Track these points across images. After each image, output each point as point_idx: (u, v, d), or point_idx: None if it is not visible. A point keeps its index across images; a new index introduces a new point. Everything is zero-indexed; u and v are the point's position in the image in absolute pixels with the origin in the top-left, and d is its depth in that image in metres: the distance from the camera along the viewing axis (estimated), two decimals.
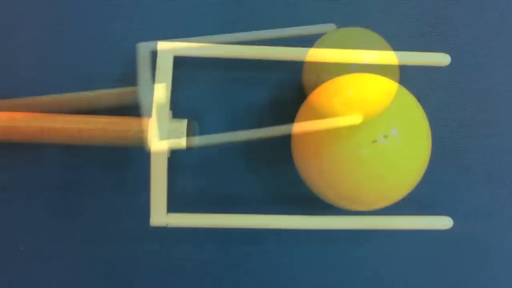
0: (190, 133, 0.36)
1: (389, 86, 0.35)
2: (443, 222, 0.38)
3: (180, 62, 0.40)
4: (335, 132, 0.32)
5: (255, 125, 0.41)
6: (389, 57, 0.36)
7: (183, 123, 0.36)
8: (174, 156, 0.40)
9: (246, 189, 0.40)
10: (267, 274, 0.40)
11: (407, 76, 0.41)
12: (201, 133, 0.40)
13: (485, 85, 0.42)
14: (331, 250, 0.40)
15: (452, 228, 0.37)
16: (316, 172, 0.34)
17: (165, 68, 0.36)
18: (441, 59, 0.39)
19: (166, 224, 0.36)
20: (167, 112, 0.35)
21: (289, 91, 0.40)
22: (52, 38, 0.41)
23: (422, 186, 0.40)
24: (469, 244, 0.41)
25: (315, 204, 0.38)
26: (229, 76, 0.41)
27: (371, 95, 0.34)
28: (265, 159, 0.41)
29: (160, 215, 0.35)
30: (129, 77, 0.40)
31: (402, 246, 0.41)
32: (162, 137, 0.35)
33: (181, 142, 0.36)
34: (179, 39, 0.38)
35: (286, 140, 0.37)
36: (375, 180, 0.32)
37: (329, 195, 0.35)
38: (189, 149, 0.36)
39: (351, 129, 0.32)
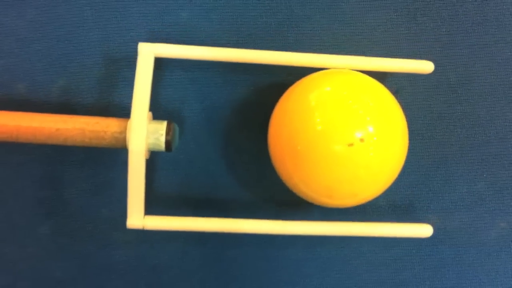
0: (169, 135, 0.35)
1: (367, 82, 0.35)
2: (423, 230, 0.38)
3: (161, 63, 0.40)
4: (311, 130, 0.32)
5: (236, 126, 0.41)
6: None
7: (163, 124, 0.36)
8: (153, 157, 0.40)
9: (225, 192, 0.40)
10: (248, 278, 0.40)
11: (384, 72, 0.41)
12: (181, 134, 0.40)
13: (463, 78, 0.42)
14: (314, 254, 0.41)
15: (433, 215, 0.38)
16: (291, 168, 0.34)
17: (145, 69, 0.36)
18: (425, 66, 0.39)
19: (143, 227, 0.35)
20: (146, 113, 0.35)
21: (271, 92, 0.40)
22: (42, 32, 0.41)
23: (399, 180, 0.41)
24: (447, 237, 0.41)
25: (295, 208, 0.38)
26: (211, 77, 0.41)
27: (349, 91, 0.34)
28: (245, 161, 0.41)
29: (137, 217, 0.35)
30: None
31: (380, 241, 0.41)
32: (140, 138, 0.35)
33: (160, 144, 0.35)
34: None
35: (266, 143, 0.37)
36: (350, 180, 0.33)
37: (304, 191, 0.35)
38: (168, 150, 0.36)
39: (328, 130, 0.32)
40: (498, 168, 0.42)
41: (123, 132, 0.35)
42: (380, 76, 0.41)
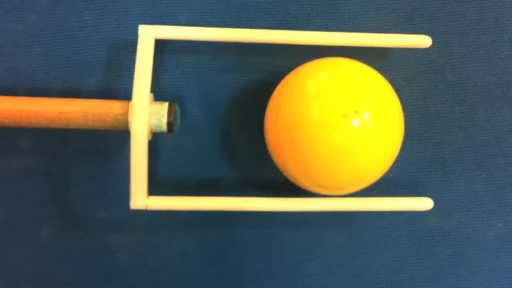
0: (171, 116, 0.36)
1: (362, 70, 0.35)
2: (423, 204, 0.38)
3: (162, 45, 0.40)
4: (306, 111, 0.33)
5: (237, 109, 0.41)
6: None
7: (164, 105, 0.36)
8: (155, 139, 0.40)
9: (224, 176, 0.41)
10: (248, 279, 0.40)
11: (383, 68, 0.41)
12: (183, 116, 0.40)
13: (461, 77, 0.42)
14: (313, 254, 0.41)
15: (431, 216, 0.37)
16: (288, 155, 0.35)
17: (146, 50, 0.36)
18: (422, 41, 0.39)
19: (146, 207, 0.36)
20: (147, 94, 0.35)
21: (272, 76, 0.40)
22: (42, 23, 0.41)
23: (397, 179, 0.41)
24: (444, 237, 0.41)
25: (292, 189, 0.38)
26: (212, 59, 0.41)
27: (344, 80, 0.34)
28: (245, 144, 0.41)
29: (140, 198, 0.35)
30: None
31: (379, 237, 0.41)
32: (142, 119, 0.35)
33: (162, 125, 0.36)
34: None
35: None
36: (346, 160, 0.33)
37: (300, 178, 0.35)
38: (170, 132, 0.36)
39: (322, 105, 0.32)
40: (496, 168, 0.42)
41: (125, 114, 0.36)
42: (379, 54, 0.41)
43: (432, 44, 0.40)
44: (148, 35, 0.37)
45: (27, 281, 0.40)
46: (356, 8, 0.42)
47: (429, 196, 0.41)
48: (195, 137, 0.41)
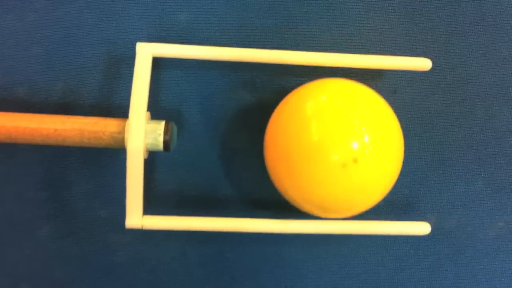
0: (167, 134, 0.36)
1: (361, 92, 0.35)
2: (421, 228, 0.38)
3: (159, 64, 0.40)
4: (304, 133, 0.33)
5: (235, 127, 0.41)
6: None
7: (161, 124, 0.36)
8: (151, 159, 0.40)
9: (223, 192, 0.41)
10: (247, 279, 0.40)
11: (382, 70, 0.41)
12: (180, 134, 0.40)
13: (461, 78, 0.42)
14: (312, 254, 0.41)
15: (431, 215, 0.38)
16: (285, 177, 0.34)
17: (143, 68, 0.36)
18: (422, 63, 0.39)
19: (142, 227, 0.36)
20: (144, 113, 0.35)
21: (271, 93, 0.40)
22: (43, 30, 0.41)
23: (398, 179, 0.41)
24: (444, 236, 0.41)
25: (292, 210, 0.38)
26: (209, 77, 0.41)
27: (345, 101, 0.34)
28: (244, 161, 0.41)
29: (135, 217, 0.36)
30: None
31: (378, 236, 0.41)
32: (139, 138, 0.35)
33: (158, 144, 0.36)
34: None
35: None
36: (344, 199, 0.33)
37: (300, 202, 0.35)
38: (166, 150, 0.36)
39: (322, 148, 0.32)
40: (496, 167, 0.42)
41: (122, 132, 0.36)
42: (378, 75, 0.41)
43: (432, 44, 0.40)
44: (145, 53, 0.37)
45: (26, 280, 0.40)
46: (357, 7, 0.42)
47: (429, 196, 0.41)
48: (193, 152, 0.41)
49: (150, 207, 0.39)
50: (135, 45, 0.37)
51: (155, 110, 0.40)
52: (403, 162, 0.40)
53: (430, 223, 0.38)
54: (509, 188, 0.42)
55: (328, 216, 0.37)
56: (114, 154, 0.40)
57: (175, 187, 0.40)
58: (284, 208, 0.40)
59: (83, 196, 0.40)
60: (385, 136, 0.33)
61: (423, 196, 0.41)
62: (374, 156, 0.32)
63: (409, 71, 0.42)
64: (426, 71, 0.41)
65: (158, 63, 0.40)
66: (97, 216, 0.40)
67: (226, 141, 0.41)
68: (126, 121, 0.36)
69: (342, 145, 0.32)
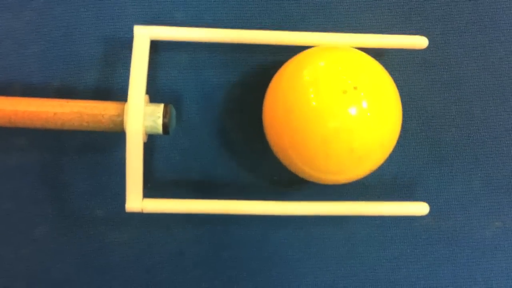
0: (166, 117, 0.36)
1: (359, 54, 0.36)
2: (419, 208, 0.38)
3: (158, 44, 0.40)
4: (304, 89, 0.33)
5: (234, 109, 0.41)
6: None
7: (160, 107, 0.36)
8: (151, 140, 0.40)
9: (223, 175, 0.41)
10: (244, 278, 0.40)
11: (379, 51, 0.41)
12: (179, 117, 0.40)
13: (458, 77, 0.42)
14: (309, 253, 0.41)
15: (428, 215, 0.38)
16: (286, 137, 0.35)
17: (141, 51, 0.36)
18: (419, 41, 0.39)
19: (142, 210, 0.36)
20: (143, 96, 0.35)
21: (270, 74, 0.40)
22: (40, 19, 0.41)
23: (394, 179, 0.41)
24: (441, 236, 0.41)
25: (291, 188, 0.38)
26: (207, 59, 0.41)
27: (342, 60, 0.34)
28: (243, 144, 0.41)
29: (135, 200, 0.35)
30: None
31: (375, 236, 0.41)
32: (138, 121, 0.35)
33: (158, 126, 0.36)
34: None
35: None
36: (344, 136, 0.33)
37: (299, 162, 0.35)
38: (165, 133, 0.36)
39: (320, 81, 0.33)
40: (493, 167, 0.42)
41: (121, 115, 0.36)
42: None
43: (429, 44, 0.40)
44: (143, 36, 0.37)
45: (22, 279, 0.39)
46: (353, 7, 0.42)
47: (426, 195, 0.41)
48: (192, 136, 0.41)
49: (147, 191, 0.39)
50: (132, 43, 0.37)
51: (154, 94, 0.40)
52: (400, 162, 0.40)
53: (426, 222, 0.38)
54: (506, 188, 0.42)
55: (330, 179, 0.36)
56: (111, 153, 0.40)
57: (173, 172, 0.40)
58: (285, 189, 0.40)
59: (79, 195, 0.40)
60: (382, 85, 0.34)
61: (420, 195, 0.41)
62: (373, 115, 0.33)
63: (406, 70, 0.42)
64: (424, 73, 0.42)
65: (156, 45, 0.40)
66: (93, 215, 0.40)
67: (225, 122, 0.41)
68: (125, 104, 0.36)
69: (342, 80, 0.33)
